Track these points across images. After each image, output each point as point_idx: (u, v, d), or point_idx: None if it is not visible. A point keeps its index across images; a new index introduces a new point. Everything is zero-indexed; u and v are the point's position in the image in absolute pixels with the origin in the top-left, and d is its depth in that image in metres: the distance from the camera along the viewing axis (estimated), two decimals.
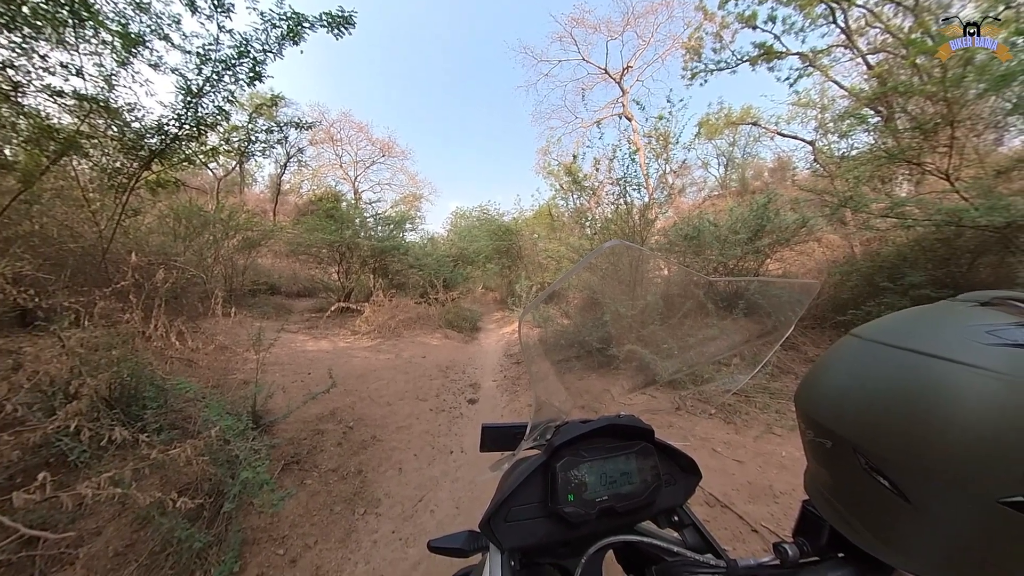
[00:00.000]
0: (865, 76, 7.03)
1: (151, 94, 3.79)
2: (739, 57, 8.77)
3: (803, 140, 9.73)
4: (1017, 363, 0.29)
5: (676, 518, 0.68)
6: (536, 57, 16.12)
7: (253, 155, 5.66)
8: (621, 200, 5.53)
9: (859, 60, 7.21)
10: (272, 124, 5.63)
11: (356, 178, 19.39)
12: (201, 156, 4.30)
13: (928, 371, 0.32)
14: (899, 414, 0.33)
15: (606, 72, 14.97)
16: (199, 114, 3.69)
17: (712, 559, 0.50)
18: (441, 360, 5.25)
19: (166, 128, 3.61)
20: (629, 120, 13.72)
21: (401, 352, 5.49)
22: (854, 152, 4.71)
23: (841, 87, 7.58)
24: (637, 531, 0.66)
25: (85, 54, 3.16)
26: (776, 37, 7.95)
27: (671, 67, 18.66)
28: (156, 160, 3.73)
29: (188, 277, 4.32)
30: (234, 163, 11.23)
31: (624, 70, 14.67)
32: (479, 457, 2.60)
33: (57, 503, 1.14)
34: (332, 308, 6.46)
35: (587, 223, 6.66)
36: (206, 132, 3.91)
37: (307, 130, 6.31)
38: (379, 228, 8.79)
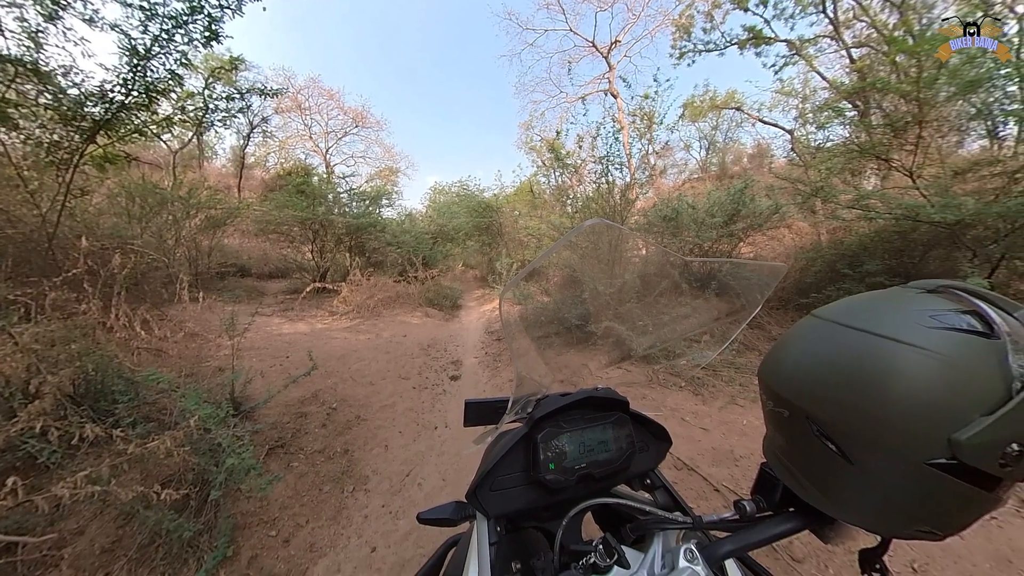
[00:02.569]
0: (847, 69, 7.18)
1: (88, 55, 3.35)
2: (728, 39, 8.69)
3: (783, 128, 9.92)
4: (951, 344, 0.33)
5: (648, 481, 0.75)
6: (521, 25, 15.29)
7: (212, 125, 5.19)
8: (603, 179, 5.52)
9: (843, 53, 7.33)
10: (232, 90, 5.16)
11: (327, 150, 18.29)
12: (153, 127, 3.94)
13: (876, 349, 0.36)
14: (848, 387, 0.36)
15: (593, 45, 14.40)
16: (148, 79, 3.34)
17: (680, 516, 0.55)
18: (422, 338, 5.26)
19: (110, 95, 3.25)
20: (614, 97, 13.43)
21: (381, 332, 5.46)
22: (829, 144, 4.87)
23: (823, 78, 7.73)
24: (613, 494, 0.72)
25: (2, 6, 2.77)
26: (766, 22, 7.92)
27: (660, 44, 18.27)
28: (101, 132, 3.38)
29: (148, 261, 4.05)
30: (191, 134, 10.34)
31: (612, 44, 14.14)
32: (463, 432, 2.68)
33: (32, 507, 1.11)
34: (307, 289, 6.29)
35: (568, 201, 6.64)
36: (157, 99, 3.55)
37: (272, 97, 5.83)
38: (354, 204, 8.45)
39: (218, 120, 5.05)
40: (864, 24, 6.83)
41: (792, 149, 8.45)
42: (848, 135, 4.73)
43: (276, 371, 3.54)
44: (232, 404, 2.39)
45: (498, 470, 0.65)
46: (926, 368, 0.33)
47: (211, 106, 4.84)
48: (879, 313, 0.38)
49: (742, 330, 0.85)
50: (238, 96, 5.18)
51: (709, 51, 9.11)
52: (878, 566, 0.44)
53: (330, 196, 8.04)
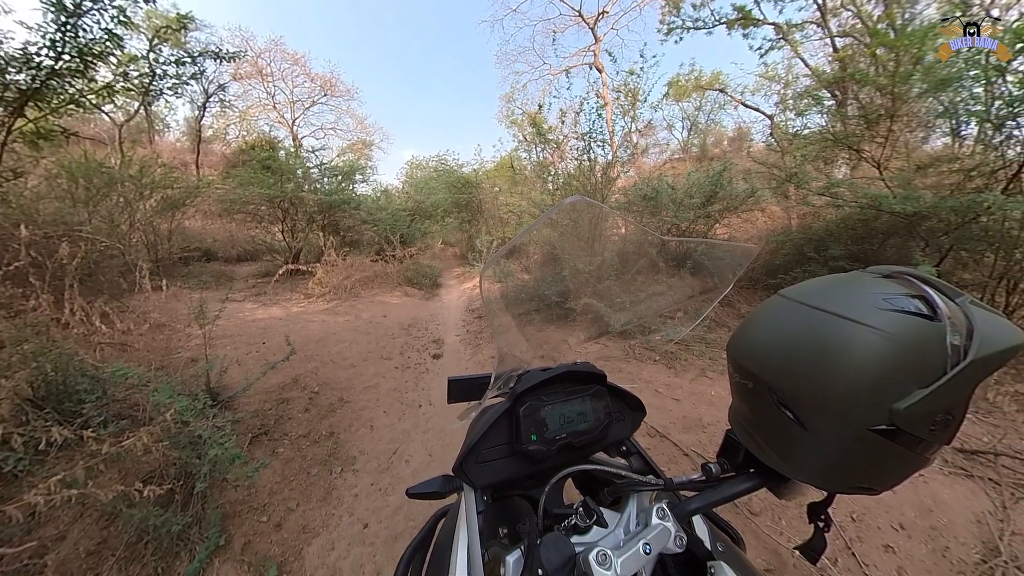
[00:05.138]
0: (830, 58, 7.23)
1: (5, 11, 2.94)
2: (717, 18, 8.57)
3: (763, 113, 10.04)
4: (898, 325, 0.37)
5: (624, 448, 0.80)
6: None
7: (161, 93, 4.75)
8: (585, 156, 5.44)
9: (827, 41, 7.36)
10: (182, 53, 4.70)
11: (294, 122, 17.05)
12: (91, 96, 3.55)
13: (834, 328, 0.39)
14: (807, 361, 0.40)
15: (580, 15, 13.73)
16: (81, 40, 2.96)
17: (653, 479, 0.60)
18: (403, 318, 5.23)
19: (37, 59, 2.88)
20: (599, 72, 13.05)
21: (360, 313, 5.38)
22: (806, 131, 4.97)
23: (807, 65, 7.84)
24: (592, 461, 0.77)
25: None
26: (756, 2, 7.78)
27: (648, 18, 17.57)
28: (30, 103, 3.02)
29: (101, 249, 3.75)
30: (137, 104, 9.38)
31: (599, 15, 13.52)
32: (447, 408, 2.74)
33: (4, 518, 1.07)
34: (280, 271, 6.05)
35: (550, 178, 6.55)
36: (94, 64, 3.18)
37: (229, 61, 5.34)
38: (325, 180, 8.03)
39: (168, 88, 4.63)
40: (850, 13, 6.86)
41: (771, 134, 8.55)
42: (825, 124, 4.86)
43: (253, 358, 3.46)
44: (209, 395, 2.34)
45: (483, 443, 0.68)
46: (876, 345, 0.36)
47: (158, 71, 4.42)
48: (839, 295, 0.41)
49: (714, 307, 0.90)
50: (189, 60, 4.71)
51: (697, 29, 8.98)
52: (823, 516, 0.51)
53: (299, 172, 7.58)
